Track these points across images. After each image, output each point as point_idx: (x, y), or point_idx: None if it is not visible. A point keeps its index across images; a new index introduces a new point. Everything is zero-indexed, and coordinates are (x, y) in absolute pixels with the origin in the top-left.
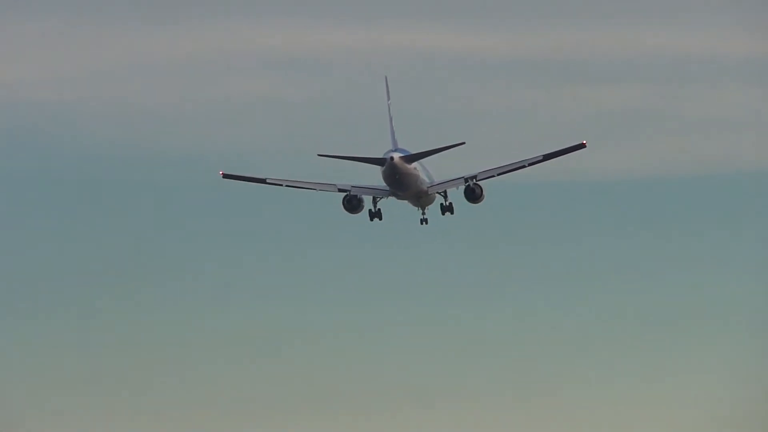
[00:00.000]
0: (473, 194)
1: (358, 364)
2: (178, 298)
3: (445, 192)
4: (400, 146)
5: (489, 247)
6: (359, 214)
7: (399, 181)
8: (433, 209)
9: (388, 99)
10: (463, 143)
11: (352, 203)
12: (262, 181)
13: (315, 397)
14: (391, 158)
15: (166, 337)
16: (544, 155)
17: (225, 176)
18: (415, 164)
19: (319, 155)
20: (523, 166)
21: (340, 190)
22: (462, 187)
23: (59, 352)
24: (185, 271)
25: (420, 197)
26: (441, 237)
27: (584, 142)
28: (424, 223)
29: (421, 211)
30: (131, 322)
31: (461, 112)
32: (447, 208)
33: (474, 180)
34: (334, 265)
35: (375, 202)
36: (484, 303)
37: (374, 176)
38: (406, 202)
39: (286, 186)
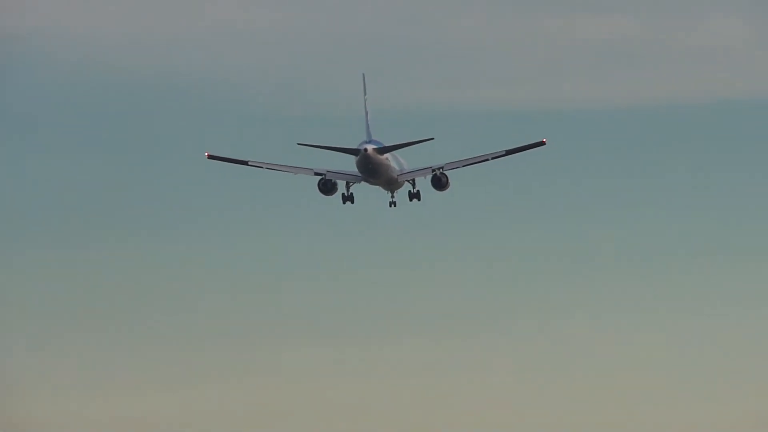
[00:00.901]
0: (439, 183)
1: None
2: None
3: (413, 180)
4: (374, 138)
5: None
6: (333, 196)
7: (371, 170)
8: (402, 195)
9: (365, 94)
10: (432, 138)
11: (326, 186)
12: (245, 163)
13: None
14: (365, 150)
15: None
16: (506, 150)
17: (210, 157)
18: (386, 155)
19: (298, 144)
20: (487, 160)
21: (316, 174)
22: (429, 176)
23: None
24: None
25: (391, 184)
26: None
27: (544, 140)
28: (393, 205)
29: (390, 194)
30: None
31: (446, 44)
32: (414, 195)
33: (441, 170)
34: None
35: (348, 187)
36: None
37: (349, 164)
38: (377, 186)
39: (267, 168)
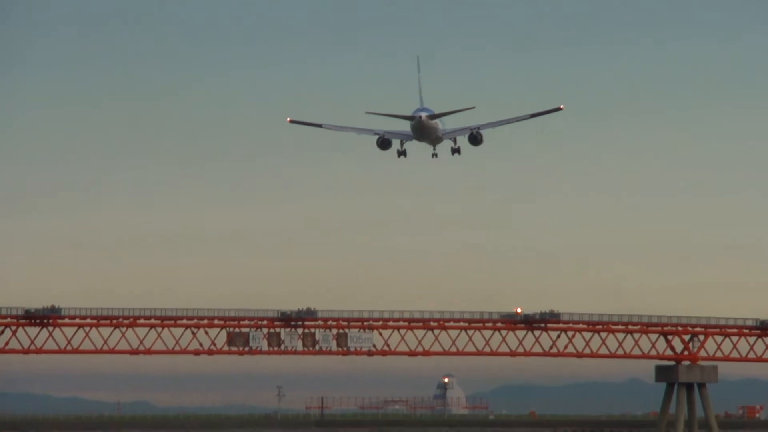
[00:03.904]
0: (475, 140)
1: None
2: None
3: (454, 138)
4: (425, 106)
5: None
6: (388, 151)
7: (423, 132)
8: (445, 150)
9: (419, 72)
10: (474, 107)
11: (384, 143)
12: (319, 126)
13: None
14: (420, 117)
15: None
16: (530, 114)
17: (291, 121)
18: (436, 120)
19: (366, 113)
20: (513, 122)
21: (376, 134)
22: (467, 135)
23: None
24: None
25: (436, 141)
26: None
27: (561, 106)
28: (434, 156)
29: (433, 147)
30: None
31: None
32: (456, 150)
33: (477, 130)
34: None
35: (401, 144)
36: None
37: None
38: (424, 143)
39: (337, 130)
